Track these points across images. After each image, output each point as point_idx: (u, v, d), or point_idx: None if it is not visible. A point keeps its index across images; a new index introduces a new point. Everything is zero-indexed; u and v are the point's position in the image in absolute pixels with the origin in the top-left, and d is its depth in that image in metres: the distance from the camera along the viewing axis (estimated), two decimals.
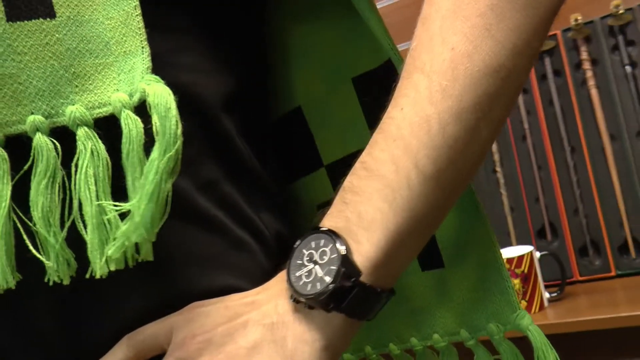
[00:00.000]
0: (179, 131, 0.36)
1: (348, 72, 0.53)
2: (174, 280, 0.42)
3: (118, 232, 0.36)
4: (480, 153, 0.39)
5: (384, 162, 0.37)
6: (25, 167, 0.36)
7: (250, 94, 0.49)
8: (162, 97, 0.36)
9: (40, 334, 0.41)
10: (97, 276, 0.36)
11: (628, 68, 1.26)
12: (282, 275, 0.40)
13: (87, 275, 0.36)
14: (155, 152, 0.35)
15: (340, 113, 0.54)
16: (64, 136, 0.37)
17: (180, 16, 0.44)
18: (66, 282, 0.37)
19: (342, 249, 0.36)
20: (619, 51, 1.26)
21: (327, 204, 0.56)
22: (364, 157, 0.39)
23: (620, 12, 1.22)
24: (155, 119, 0.35)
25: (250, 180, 0.47)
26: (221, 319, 0.39)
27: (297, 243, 0.39)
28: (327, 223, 0.39)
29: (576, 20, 1.25)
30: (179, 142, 0.36)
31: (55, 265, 0.36)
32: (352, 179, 0.39)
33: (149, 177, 0.35)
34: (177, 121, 0.36)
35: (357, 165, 0.39)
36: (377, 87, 0.52)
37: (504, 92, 0.38)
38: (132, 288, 0.41)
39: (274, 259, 0.48)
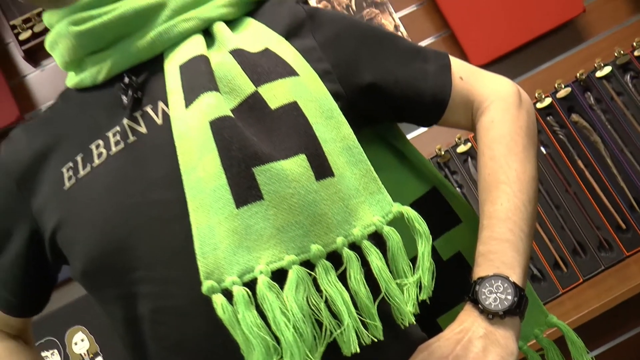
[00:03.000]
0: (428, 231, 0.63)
1: (403, 202, 0.82)
2: (408, 334, 0.66)
3: (411, 295, 0.60)
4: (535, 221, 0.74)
5: (504, 233, 0.68)
6: (339, 271, 0.59)
7: None
8: (413, 212, 0.63)
9: None
10: (413, 322, 0.60)
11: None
12: (467, 313, 0.65)
13: (406, 319, 0.60)
14: (422, 244, 0.62)
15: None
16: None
17: None
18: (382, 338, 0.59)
19: (512, 279, 0.65)
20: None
21: None
22: (488, 233, 0.68)
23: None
24: (416, 225, 0.62)
25: None
26: (451, 346, 0.63)
27: (477, 288, 0.65)
28: (485, 273, 0.66)
29: (439, 149, 1.60)
30: (430, 237, 0.63)
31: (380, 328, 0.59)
32: (488, 247, 0.67)
33: (424, 258, 0.61)
34: (426, 225, 0.63)
35: (485, 240, 0.68)
36: (426, 208, 0.83)
37: (537, 189, 0.74)
38: (390, 344, 0.64)
39: None
